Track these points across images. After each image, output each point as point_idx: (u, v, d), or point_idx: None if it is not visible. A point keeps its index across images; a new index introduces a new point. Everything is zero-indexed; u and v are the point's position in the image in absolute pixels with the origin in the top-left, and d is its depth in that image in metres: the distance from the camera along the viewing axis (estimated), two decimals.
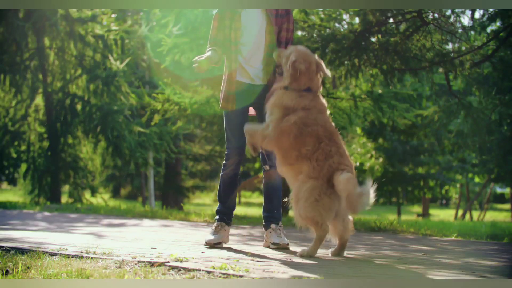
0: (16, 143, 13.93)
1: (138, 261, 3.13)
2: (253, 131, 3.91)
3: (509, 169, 17.38)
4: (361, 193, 3.39)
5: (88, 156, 14.47)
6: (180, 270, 2.95)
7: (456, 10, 6.74)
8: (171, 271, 2.94)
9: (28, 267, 3.05)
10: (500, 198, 39.47)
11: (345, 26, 8.09)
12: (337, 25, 8.15)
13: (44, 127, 13.85)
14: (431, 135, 20.73)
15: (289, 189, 3.84)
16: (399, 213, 23.59)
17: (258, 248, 4.11)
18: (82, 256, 3.32)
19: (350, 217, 3.78)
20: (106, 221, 7.31)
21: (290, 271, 2.97)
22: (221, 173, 4.32)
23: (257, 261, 3.37)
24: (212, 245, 4.12)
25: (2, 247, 3.68)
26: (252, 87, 4.21)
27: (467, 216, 24.00)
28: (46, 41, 13.44)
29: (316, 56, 3.92)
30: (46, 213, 8.83)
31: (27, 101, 13.86)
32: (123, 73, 13.28)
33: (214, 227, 4.26)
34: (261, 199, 31.63)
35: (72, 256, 3.34)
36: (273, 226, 4.23)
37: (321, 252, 3.79)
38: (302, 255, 3.67)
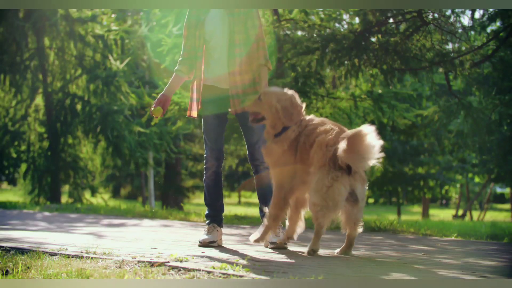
0: (16, 143, 13.94)
1: (138, 261, 3.13)
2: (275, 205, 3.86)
3: (509, 169, 17.37)
4: (366, 133, 3.34)
5: (88, 156, 14.47)
6: (180, 270, 2.95)
7: (456, 10, 6.75)
8: (171, 271, 2.94)
9: (28, 267, 3.05)
10: (500, 198, 39.50)
11: (345, 26, 8.10)
12: (337, 25, 8.16)
13: (44, 127, 13.86)
14: (431, 135, 20.70)
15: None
16: (399, 213, 23.59)
17: (258, 248, 4.11)
18: (82, 256, 3.32)
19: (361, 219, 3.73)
20: (106, 221, 7.31)
21: (290, 271, 2.97)
22: (204, 178, 4.32)
23: (257, 261, 3.37)
24: (207, 243, 4.10)
25: (2, 247, 3.68)
26: (224, 91, 4.19)
27: (467, 216, 24.01)
28: (46, 41, 13.45)
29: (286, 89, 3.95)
30: (46, 213, 8.84)
31: (27, 101, 13.86)
32: (123, 73, 13.29)
33: (207, 229, 4.26)
34: None
35: (72, 256, 3.33)
36: None
37: (322, 252, 3.80)
38: (309, 253, 3.66)
